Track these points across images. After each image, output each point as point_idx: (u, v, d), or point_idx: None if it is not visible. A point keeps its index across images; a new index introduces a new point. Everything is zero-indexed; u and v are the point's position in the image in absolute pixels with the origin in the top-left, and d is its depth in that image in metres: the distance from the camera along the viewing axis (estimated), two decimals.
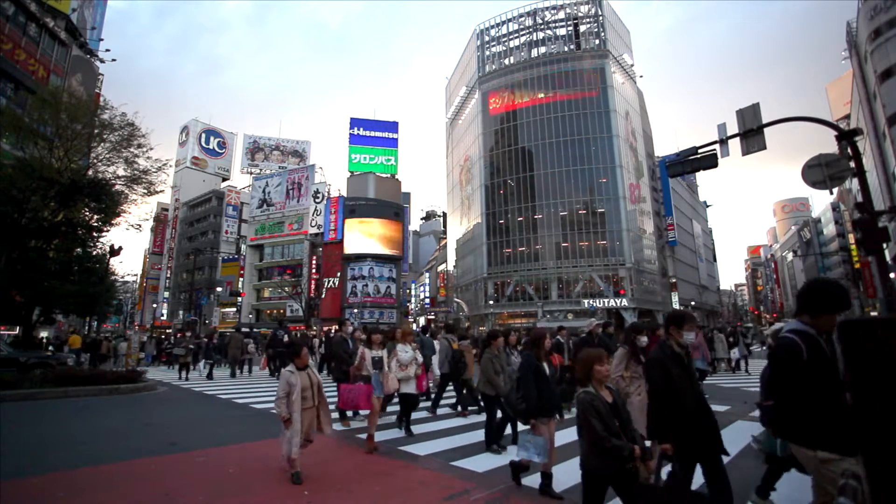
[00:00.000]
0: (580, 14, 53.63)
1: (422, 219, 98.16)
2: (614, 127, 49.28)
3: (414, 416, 8.20)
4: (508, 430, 6.04)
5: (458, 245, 62.49)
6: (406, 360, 6.51)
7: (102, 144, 15.65)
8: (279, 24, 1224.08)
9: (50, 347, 21.65)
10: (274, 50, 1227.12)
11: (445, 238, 71.36)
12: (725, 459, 3.21)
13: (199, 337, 19.31)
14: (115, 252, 17.99)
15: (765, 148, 10.08)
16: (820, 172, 9.17)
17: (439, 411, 8.60)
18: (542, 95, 52.05)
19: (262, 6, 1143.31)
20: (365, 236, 53.89)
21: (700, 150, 10.99)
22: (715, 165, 10.75)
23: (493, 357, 5.91)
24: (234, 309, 57.62)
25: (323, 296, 49.56)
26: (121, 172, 16.11)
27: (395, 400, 10.35)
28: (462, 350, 8.74)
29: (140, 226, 17.70)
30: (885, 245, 8.67)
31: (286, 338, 17.88)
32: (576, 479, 4.51)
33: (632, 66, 58.21)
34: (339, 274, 52.28)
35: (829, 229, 69.70)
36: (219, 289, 57.54)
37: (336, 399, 7.41)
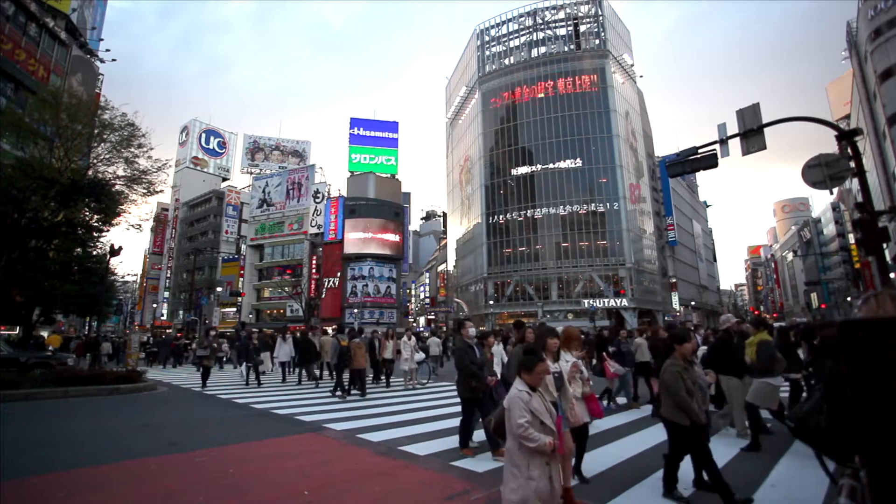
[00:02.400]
0: (580, 14, 53.64)
1: (422, 219, 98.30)
2: (614, 127, 49.29)
3: (411, 416, 8.22)
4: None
5: (458, 245, 62.52)
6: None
7: (102, 144, 15.65)
8: (283, 25, 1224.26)
9: (50, 348, 21.68)
10: (277, 50, 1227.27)
11: (445, 238, 71.41)
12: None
13: (239, 337, 17.70)
14: (115, 252, 17.98)
15: (765, 148, 10.08)
16: (820, 172, 9.17)
17: (439, 411, 8.61)
18: (542, 95, 52.06)
19: (266, 6, 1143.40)
20: (365, 236, 53.96)
21: (700, 150, 10.99)
22: (715, 165, 10.74)
23: (681, 370, 4.02)
24: (234, 309, 57.62)
25: (323, 296, 49.54)
26: (121, 172, 16.11)
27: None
28: (351, 346, 11.10)
29: (140, 226, 17.70)
30: (885, 245, 8.67)
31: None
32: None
33: (632, 66, 58.22)
34: (339, 274, 52.29)
35: (829, 229, 69.71)
36: (219, 289, 57.53)
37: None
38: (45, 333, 28.97)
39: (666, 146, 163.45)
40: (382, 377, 13.49)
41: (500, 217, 51.97)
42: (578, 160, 49.20)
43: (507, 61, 55.89)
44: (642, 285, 48.37)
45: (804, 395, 6.75)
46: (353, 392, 10.95)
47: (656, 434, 6.53)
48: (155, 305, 68.40)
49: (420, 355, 12.90)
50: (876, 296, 3.03)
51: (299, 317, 45.72)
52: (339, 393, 10.83)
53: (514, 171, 51.76)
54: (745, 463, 5.10)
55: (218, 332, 18.74)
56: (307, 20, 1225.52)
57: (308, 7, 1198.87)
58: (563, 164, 49.52)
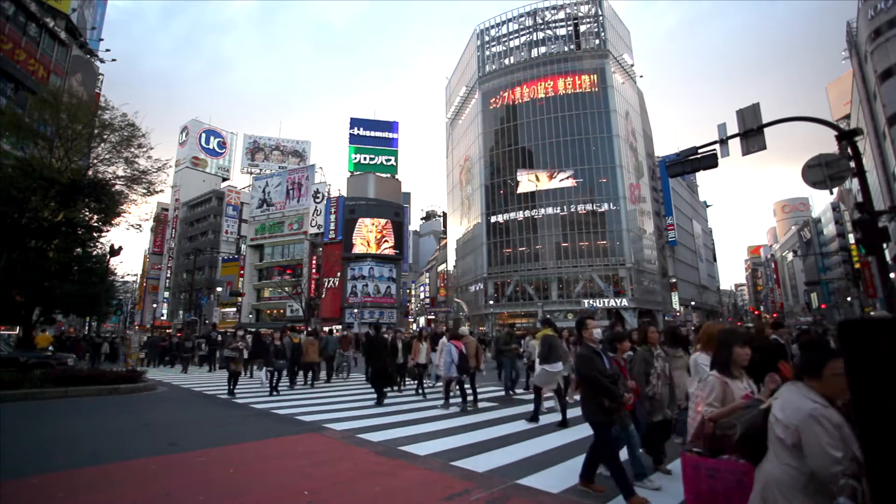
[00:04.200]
0: (580, 14, 53.64)
1: (422, 219, 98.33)
2: (614, 127, 49.30)
3: (411, 416, 8.22)
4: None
5: (458, 245, 62.52)
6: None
7: (102, 145, 15.66)
8: (285, 25, 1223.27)
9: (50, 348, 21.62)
10: (278, 50, 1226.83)
11: (445, 238, 71.43)
12: None
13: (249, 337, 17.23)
14: (115, 252, 18.00)
15: (765, 148, 10.08)
16: (820, 172, 9.17)
17: (439, 411, 8.61)
18: (542, 95, 52.07)
19: (269, 7, 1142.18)
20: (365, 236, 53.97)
21: (700, 150, 10.99)
22: (715, 165, 10.75)
23: None
24: (234, 309, 57.62)
25: (323, 296, 49.60)
26: (121, 172, 16.11)
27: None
28: (303, 343, 12.87)
29: (140, 226, 17.70)
30: (885, 245, 8.67)
31: (219, 337, 21.91)
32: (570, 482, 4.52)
33: (632, 66, 58.23)
34: (339, 274, 52.30)
35: (829, 229, 69.69)
36: (219, 289, 57.55)
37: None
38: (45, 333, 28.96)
39: (666, 146, 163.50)
40: (409, 382, 11.97)
41: (500, 217, 51.98)
42: (578, 160, 49.22)
43: (507, 61, 55.89)
44: (642, 285, 48.37)
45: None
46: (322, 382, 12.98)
47: None
48: (155, 305, 68.40)
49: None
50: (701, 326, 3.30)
51: (299, 317, 45.71)
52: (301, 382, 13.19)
53: (513, 172, 51.65)
54: None
55: (247, 332, 17.92)
56: (309, 20, 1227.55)
57: (310, 7, 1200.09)
58: (562, 165, 49.51)
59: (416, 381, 11.51)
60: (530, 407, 8.24)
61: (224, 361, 11.39)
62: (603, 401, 4.09)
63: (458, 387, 9.10)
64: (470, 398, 9.01)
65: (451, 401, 9.16)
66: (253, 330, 18.46)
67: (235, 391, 11.22)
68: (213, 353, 20.69)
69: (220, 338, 22.09)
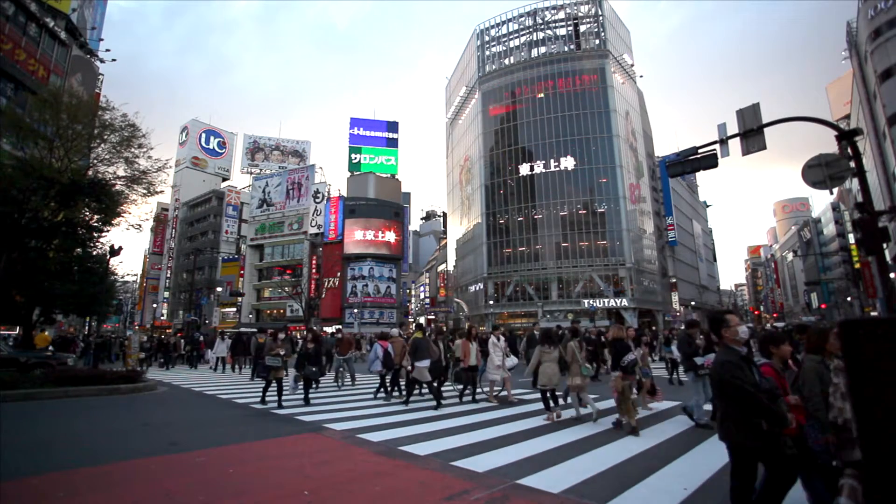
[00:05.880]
0: (580, 14, 53.64)
1: (422, 219, 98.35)
2: (614, 127, 49.29)
3: (411, 416, 8.22)
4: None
5: (458, 245, 62.52)
6: None
7: (103, 145, 15.67)
8: (287, 25, 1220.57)
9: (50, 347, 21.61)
10: (280, 51, 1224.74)
11: (445, 238, 71.42)
12: None
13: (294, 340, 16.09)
14: (115, 252, 17.98)
15: (765, 148, 10.08)
16: (820, 172, 9.17)
17: (439, 411, 8.61)
18: (542, 95, 52.06)
19: (272, 7, 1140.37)
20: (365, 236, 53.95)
21: (700, 150, 10.99)
22: (715, 165, 10.74)
23: None
24: (234, 309, 57.61)
25: (323, 296, 49.60)
26: (121, 173, 16.14)
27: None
28: (268, 344, 12.78)
29: (140, 226, 17.74)
30: (885, 245, 8.67)
31: (201, 338, 23.19)
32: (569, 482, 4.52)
33: (632, 65, 58.21)
34: (339, 274, 52.31)
35: (829, 229, 69.68)
36: (219, 289, 57.53)
37: None
38: (46, 333, 28.96)
39: (666, 146, 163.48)
40: (456, 387, 10.75)
41: (500, 217, 51.97)
42: (578, 160, 49.21)
43: (507, 61, 55.88)
44: (642, 285, 48.37)
45: None
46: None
47: (657, 434, 6.54)
48: (155, 305, 68.38)
49: (512, 360, 10.40)
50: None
51: (299, 317, 45.74)
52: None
53: (519, 168, 51.67)
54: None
55: (289, 335, 15.96)
56: (312, 21, 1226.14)
57: (313, 7, 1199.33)
58: (563, 164, 49.51)
59: (462, 386, 10.23)
60: (531, 407, 8.21)
61: (265, 370, 9.89)
62: (759, 423, 2.99)
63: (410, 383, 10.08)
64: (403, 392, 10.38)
65: (381, 394, 10.75)
66: (234, 331, 19.27)
67: (283, 402, 9.44)
68: (194, 352, 21.80)
69: (202, 338, 23.47)
